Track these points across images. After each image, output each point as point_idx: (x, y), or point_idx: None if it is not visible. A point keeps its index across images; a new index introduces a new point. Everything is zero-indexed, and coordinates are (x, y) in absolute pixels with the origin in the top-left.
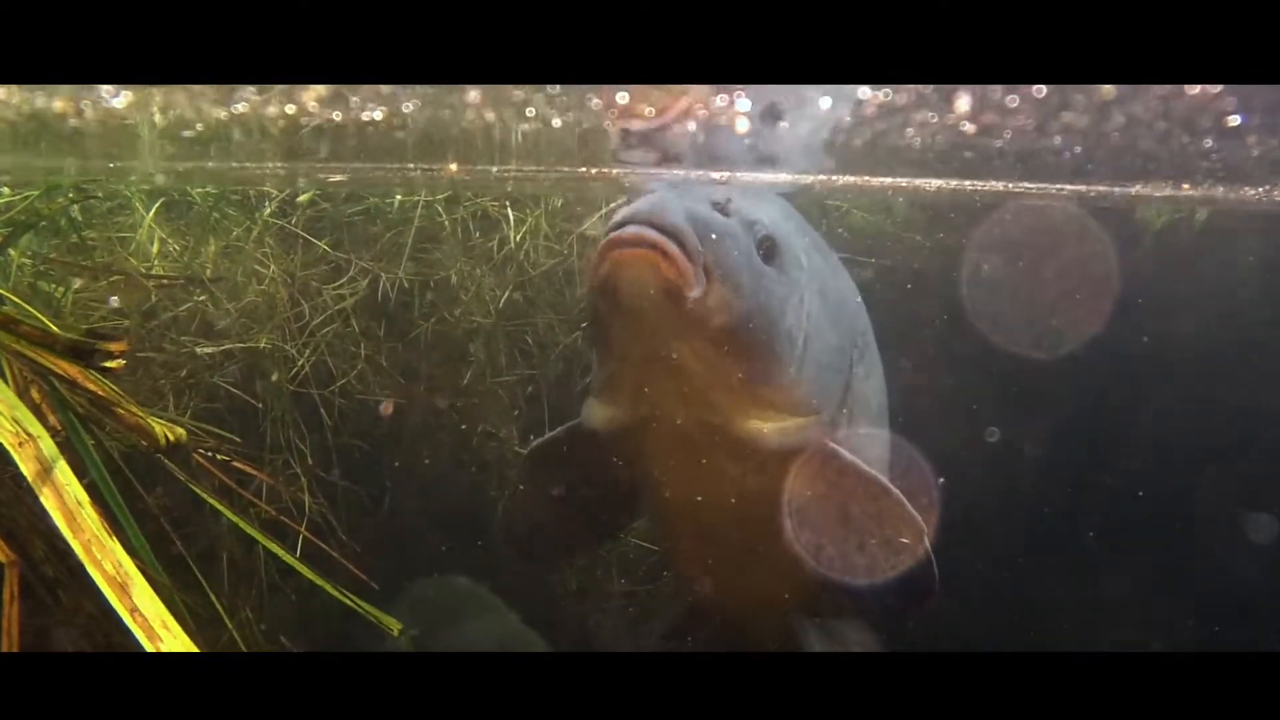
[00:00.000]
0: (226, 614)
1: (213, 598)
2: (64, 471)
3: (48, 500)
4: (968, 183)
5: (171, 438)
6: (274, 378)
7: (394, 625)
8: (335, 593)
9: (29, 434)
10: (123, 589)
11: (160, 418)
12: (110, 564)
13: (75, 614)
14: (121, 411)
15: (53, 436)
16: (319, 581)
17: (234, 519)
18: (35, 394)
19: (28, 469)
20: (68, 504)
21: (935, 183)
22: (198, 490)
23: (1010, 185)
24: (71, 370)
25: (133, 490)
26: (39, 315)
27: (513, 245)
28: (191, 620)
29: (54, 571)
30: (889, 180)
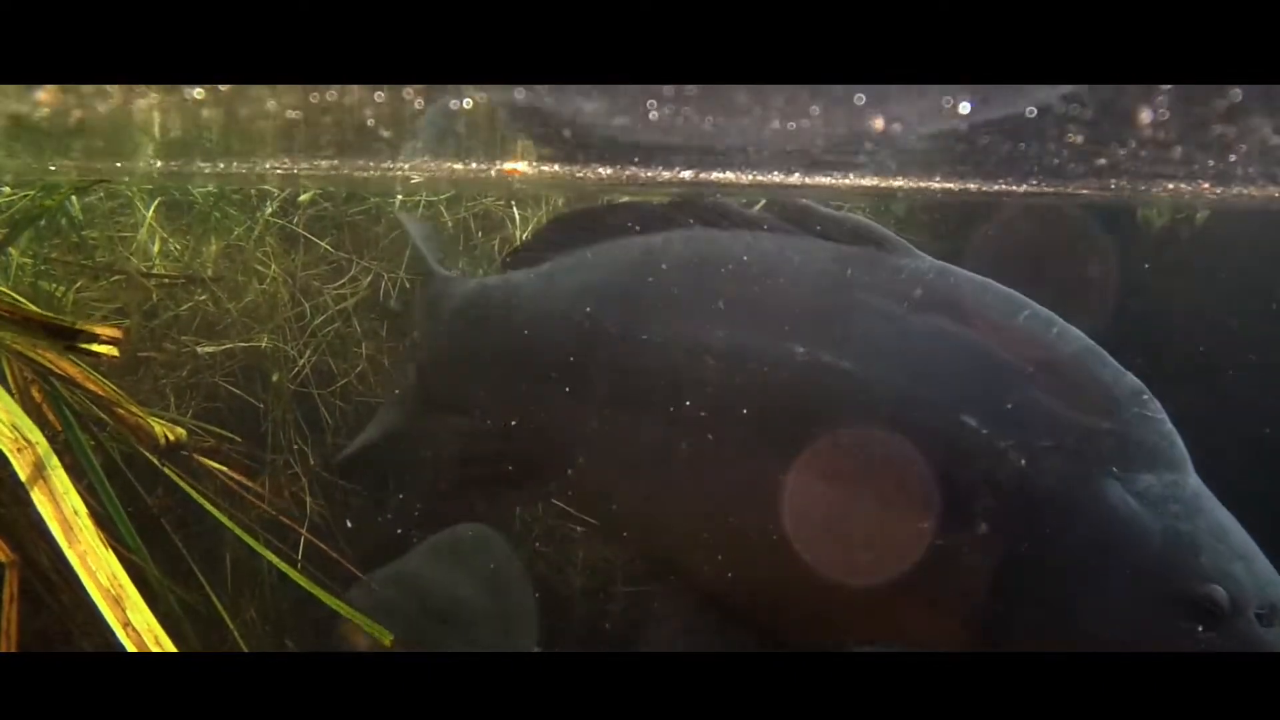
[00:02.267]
0: (229, 614)
1: (214, 599)
2: (61, 480)
3: (44, 509)
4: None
5: (172, 437)
6: (275, 378)
7: (385, 636)
8: (328, 599)
9: (27, 440)
10: (116, 602)
11: (160, 417)
12: (105, 576)
13: (75, 613)
14: (121, 411)
15: (52, 437)
16: (310, 587)
17: (230, 525)
18: (36, 393)
19: (25, 476)
20: (65, 514)
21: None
22: (195, 494)
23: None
24: (71, 369)
25: (134, 490)
26: (14, 294)
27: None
28: (192, 621)
29: (54, 571)
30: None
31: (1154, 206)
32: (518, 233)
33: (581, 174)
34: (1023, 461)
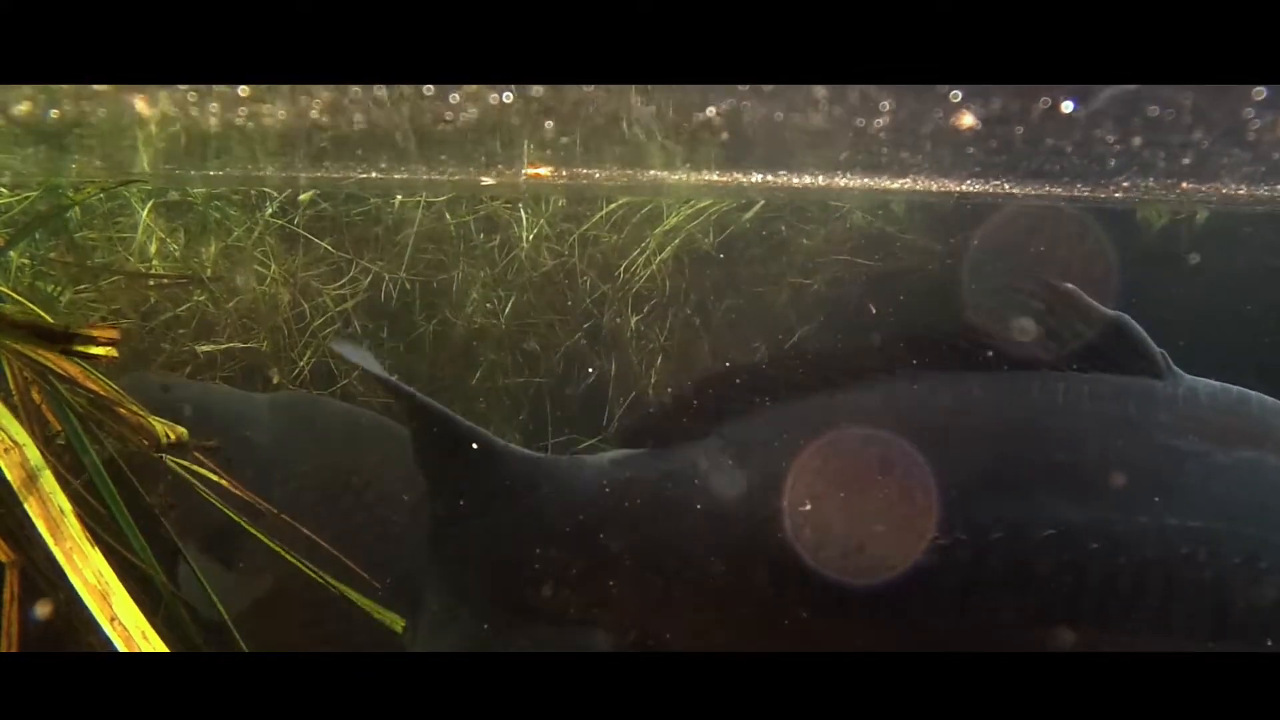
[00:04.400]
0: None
1: (214, 598)
2: (48, 480)
3: (31, 509)
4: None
5: (173, 436)
6: (275, 380)
7: (397, 623)
8: (336, 588)
9: (14, 441)
10: (103, 598)
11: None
12: (91, 573)
13: (78, 608)
14: (123, 410)
15: (53, 436)
16: (320, 577)
17: (234, 516)
18: (35, 394)
19: (12, 476)
20: (51, 513)
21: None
22: (198, 488)
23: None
24: (72, 370)
25: (133, 489)
26: (14, 294)
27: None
28: (193, 620)
29: (55, 572)
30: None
31: (1153, 207)
32: (523, 234)
33: (590, 177)
34: None
